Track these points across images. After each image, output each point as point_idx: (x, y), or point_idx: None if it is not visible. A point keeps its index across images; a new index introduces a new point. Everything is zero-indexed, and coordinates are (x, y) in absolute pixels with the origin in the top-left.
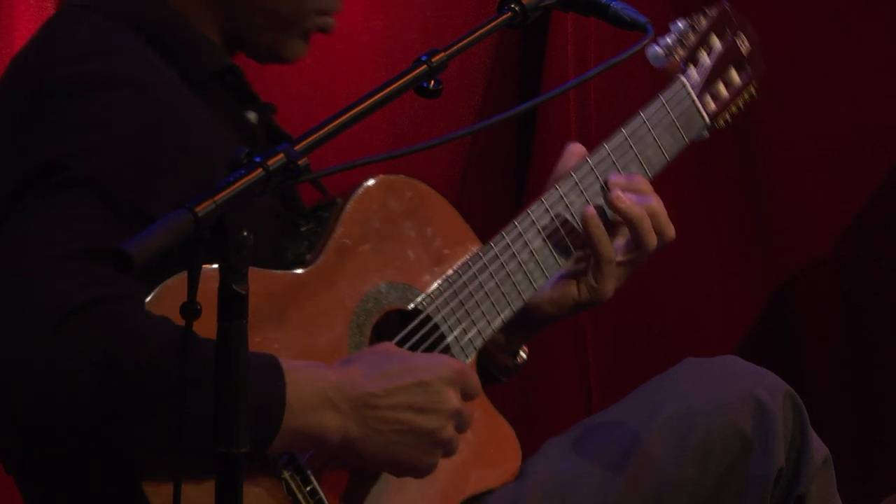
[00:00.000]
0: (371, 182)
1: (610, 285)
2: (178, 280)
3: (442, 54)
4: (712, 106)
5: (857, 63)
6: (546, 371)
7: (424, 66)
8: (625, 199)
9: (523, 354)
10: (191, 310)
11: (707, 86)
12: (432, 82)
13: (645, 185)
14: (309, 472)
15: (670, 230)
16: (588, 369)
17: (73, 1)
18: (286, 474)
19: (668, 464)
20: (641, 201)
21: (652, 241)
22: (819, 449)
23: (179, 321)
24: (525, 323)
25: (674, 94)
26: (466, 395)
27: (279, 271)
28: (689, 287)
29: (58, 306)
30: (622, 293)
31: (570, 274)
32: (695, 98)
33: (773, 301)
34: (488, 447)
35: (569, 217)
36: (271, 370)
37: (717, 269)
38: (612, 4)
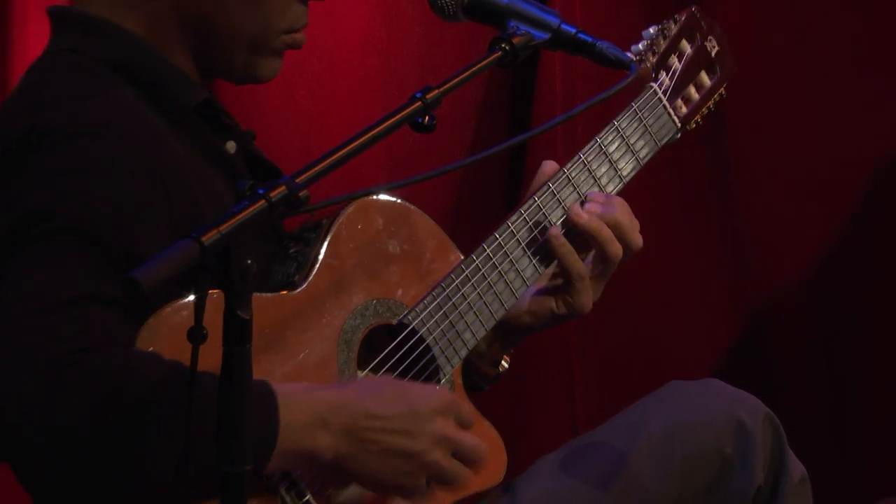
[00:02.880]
0: (355, 203)
1: (585, 299)
2: (172, 308)
3: (436, 91)
4: (683, 109)
5: (834, 79)
6: (533, 391)
7: (419, 103)
8: (582, 215)
9: (505, 364)
10: (197, 335)
11: (678, 90)
12: (427, 118)
13: (610, 198)
14: (303, 485)
15: (636, 239)
16: (574, 388)
17: (54, 45)
18: (281, 489)
19: (653, 480)
20: (605, 211)
21: (615, 250)
22: (796, 468)
23: (176, 346)
24: (505, 332)
25: (646, 102)
26: (461, 424)
27: (268, 294)
28: (669, 306)
29: (38, 360)
30: (605, 314)
31: (547, 289)
32: (666, 104)
33: (750, 318)
34: None
35: (547, 227)
36: (265, 397)
37: (695, 289)
38: (598, 44)
